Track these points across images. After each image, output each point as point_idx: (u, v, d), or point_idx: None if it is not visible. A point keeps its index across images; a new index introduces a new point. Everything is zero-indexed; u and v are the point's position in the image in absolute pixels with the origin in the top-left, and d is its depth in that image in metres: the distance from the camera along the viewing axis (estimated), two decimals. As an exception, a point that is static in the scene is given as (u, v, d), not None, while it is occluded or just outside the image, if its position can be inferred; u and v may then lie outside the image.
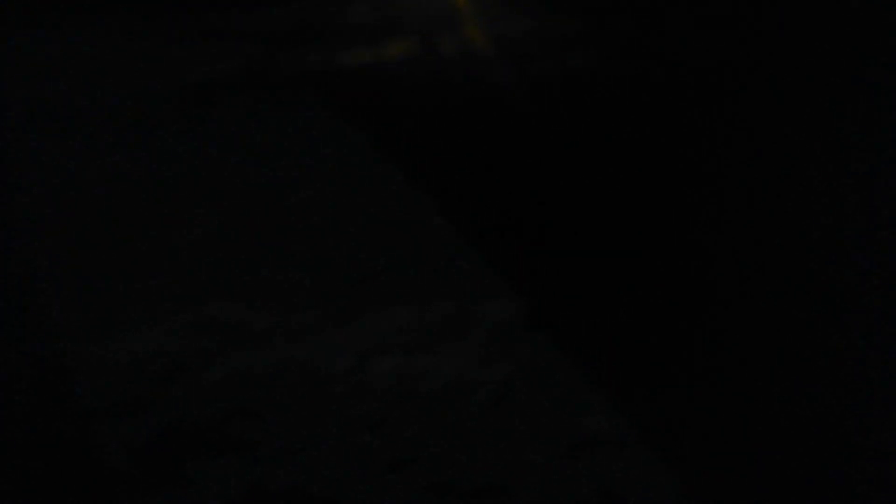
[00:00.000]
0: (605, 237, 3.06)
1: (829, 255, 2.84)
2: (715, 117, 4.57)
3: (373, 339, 2.43)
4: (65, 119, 5.73)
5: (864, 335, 2.34)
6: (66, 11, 12.01)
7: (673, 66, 6.00)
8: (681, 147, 4.09)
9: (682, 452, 1.88)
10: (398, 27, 9.92)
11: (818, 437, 1.93)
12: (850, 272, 2.71)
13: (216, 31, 11.21)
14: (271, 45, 9.58)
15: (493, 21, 9.93)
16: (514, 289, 2.68)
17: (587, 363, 2.27)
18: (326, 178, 3.88)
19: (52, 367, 2.31)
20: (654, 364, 2.25)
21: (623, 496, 1.76)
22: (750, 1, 8.15)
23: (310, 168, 4.07)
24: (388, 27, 10.02)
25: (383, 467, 1.88)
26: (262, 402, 2.14)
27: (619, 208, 3.34)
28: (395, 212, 3.41)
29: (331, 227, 3.26)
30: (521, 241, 3.05)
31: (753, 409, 2.04)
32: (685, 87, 5.35)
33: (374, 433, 2.01)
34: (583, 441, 1.94)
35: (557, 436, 1.96)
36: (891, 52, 5.66)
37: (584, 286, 2.69)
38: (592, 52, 6.95)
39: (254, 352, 2.37)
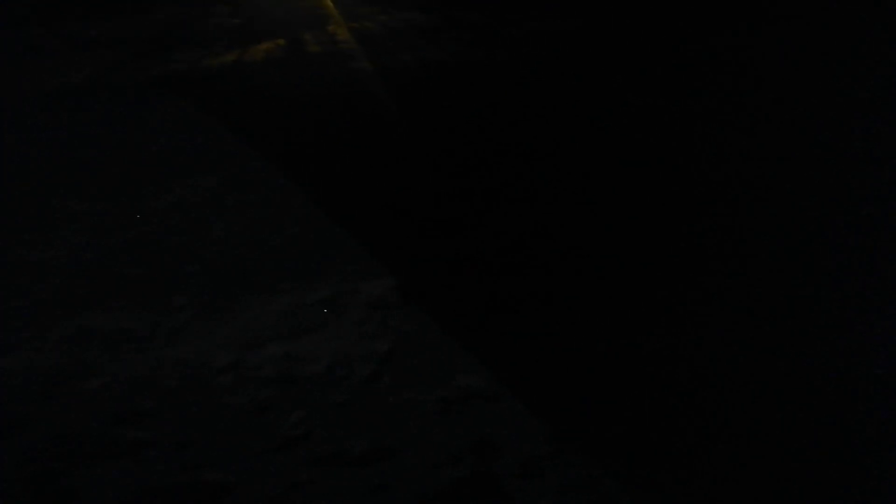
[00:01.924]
0: (462, 212, 3.14)
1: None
2: (551, 95, 4.78)
3: (253, 330, 2.37)
4: None
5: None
6: None
7: (515, 51, 6.19)
8: (520, 122, 4.24)
9: (549, 402, 1.99)
10: (264, 30, 9.56)
11: (663, 368, 2.10)
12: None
13: (76, 40, 10.32)
14: (134, 50, 8.96)
15: (356, 19, 9.79)
16: (388, 268, 2.70)
17: (457, 329, 2.34)
18: (194, 177, 3.72)
19: (-88, 398, 2.09)
20: (518, 323, 2.35)
21: (497, 443, 1.84)
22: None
23: (177, 168, 3.88)
24: (254, 30, 9.64)
25: (273, 448, 1.86)
26: (146, 404, 2.05)
27: (472, 185, 3.43)
28: (267, 204, 3.32)
29: (201, 226, 3.14)
30: (388, 224, 3.07)
31: (606, 363, 2.18)
32: (524, 70, 5.54)
33: (261, 419, 1.98)
34: (456, 399, 2.00)
35: (432, 397, 2.02)
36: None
37: (447, 261, 2.75)
38: (444, 42, 7.04)
39: (134, 356, 2.26)
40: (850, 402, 1.92)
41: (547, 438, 1.86)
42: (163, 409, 2.02)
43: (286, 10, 11.67)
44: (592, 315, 2.37)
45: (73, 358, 2.26)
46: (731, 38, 6.17)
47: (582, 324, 2.32)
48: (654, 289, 2.50)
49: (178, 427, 1.95)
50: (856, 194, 3.14)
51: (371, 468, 1.78)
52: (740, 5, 7.49)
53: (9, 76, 7.47)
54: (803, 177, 3.34)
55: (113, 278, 2.75)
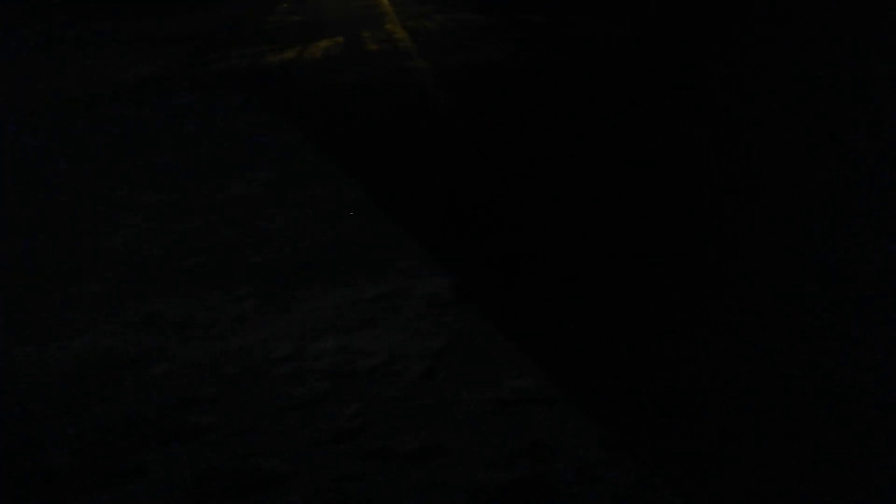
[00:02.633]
0: (519, 212, 3.12)
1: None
2: (611, 97, 4.71)
3: (311, 322, 2.41)
4: (3, 121, 5.38)
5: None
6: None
7: (574, 54, 6.13)
8: (578, 124, 4.19)
9: (604, 408, 1.96)
10: (322, 27, 9.72)
11: (727, 384, 2.04)
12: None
13: (142, 35, 10.71)
14: (199, 46, 9.24)
15: (413, 18, 9.86)
16: (444, 266, 2.70)
17: (512, 330, 2.33)
18: (256, 170, 3.80)
19: (-8, 373, 2.20)
20: (577, 326, 2.33)
21: (552, 446, 1.82)
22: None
23: (240, 161, 3.97)
24: (313, 28, 9.81)
25: (328, 440, 1.88)
26: (208, 390, 2.10)
27: (530, 185, 3.41)
28: (326, 199, 3.37)
29: (263, 218, 3.21)
30: (445, 222, 3.07)
31: (665, 369, 2.14)
32: (583, 72, 5.47)
33: (318, 409, 2.01)
34: (511, 400, 1.99)
35: (487, 397, 2.01)
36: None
37: (503, 260, 2.74)
38: (502, 43, 7.02)
39: (198, 343, 2.32)
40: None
41: (602, 444, 1.83)
42: (224, 396, 2.07)
43: (344, 8, 11.84)
44: (652, 320, 2.32)
45: (140, 342, 2.34)
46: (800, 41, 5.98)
47: (640, 329, 2.28)
48: (720, 294, 2.43)
49: (238, 414, 2.00)
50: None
51: (424, 464, 1.78)
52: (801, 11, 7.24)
53: (76, 69, 7.80)
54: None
55: (177, 267, 2.84)
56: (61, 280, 2.80)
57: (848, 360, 2.08)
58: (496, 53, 6.48)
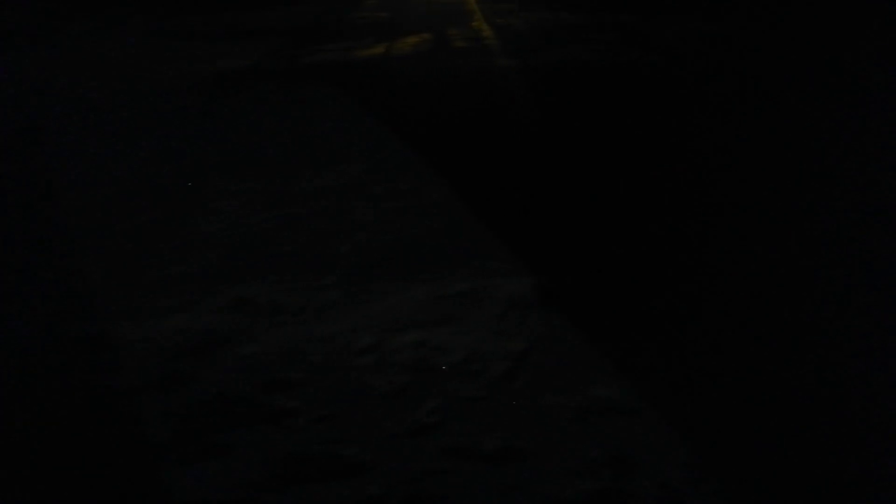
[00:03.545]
0: (607, 215, 3.04)
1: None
2: (707, 105, 4.52)
3: (393, 315, 2.43)
4: (105, 108, 5.73)
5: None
6: (97, 14, 11.98)
7: (665, 54, 5.93)
8: (678, 133, 4.05)
9: (691, 423, 1.88)
10: (410, 23, 9.83)
11: (821, 415, 1.92)
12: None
13: (237, 29, 11.15)
14: (289, 40, 9.52)
15: (501, 16, 9.82)
16: (527, 266, 2.67)
17: (597, 336, 2.27)
18: (344, 162, 3.88)
19: (96, 345, 2.34)
20: (664, 337, 2.25)
21: (634, 460, 1.77)
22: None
23: (328, 153, 4.06)
24: (400, 24, 9.93)
25: (407, 433, 1.89)
26: (294, 374, 2.16)
27: (623, 192, 3.31)
28: (411, 194, 3.40)
29: (349, 209, 3.26)
30: (530, 222, 3.04)
31: (761, 384, 2.04)
32: (675, 73, 5.28)
33: (397, 402, 2.02)
34: (594, 409, 1.94)
35: (569, 404, 1.97)
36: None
37: (590, 263, 2.68)
38: (592, 42, 6.87)
39: (285, 328, 2.39)
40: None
41: (687, 463, 1.76)
42: (308, 382, 2.12)
43: (431, 5, 11.92)
44: (743, 331, 2.21)
45: (231, 324, 2.43)
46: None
47: (730, 340, 2.18)
48: (817, 303, 2.29)
49: (320, 400, 2.04)
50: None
51: (504, 467, 1.76)
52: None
53: (175, 61, 8.18)
54: None
55: (269, 253, 2.93)
56: (162, 261, 2.95)
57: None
58: (584, 53, 6.36)
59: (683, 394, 1.99)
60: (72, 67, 8.03)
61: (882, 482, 1.67)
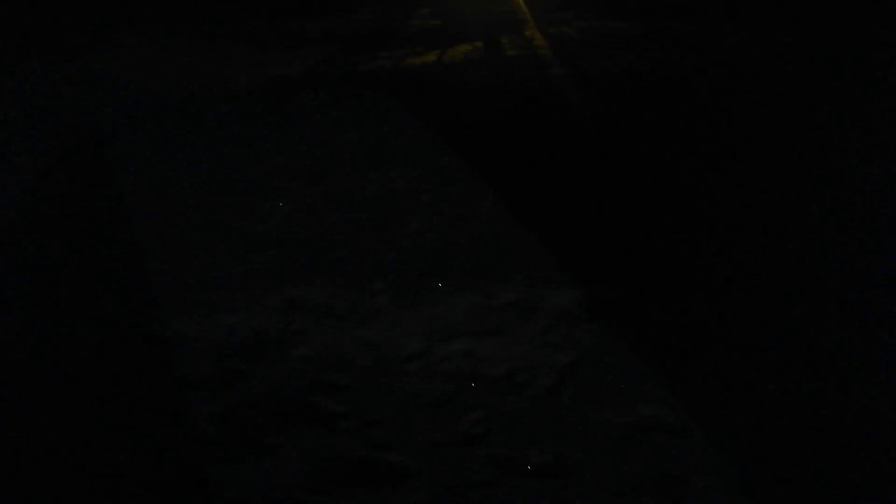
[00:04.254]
0: (657, 229, 2.98)
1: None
2: (761, 112, 4.39)
3: (440, 323, 2.44)
4: (165, 112, 5.94)
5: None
6: (155, 19, 12.43)
7: (723, 64, 5.80)
8: (725, 138, 3.94)
9: (743, 446, 1.83)
10: (462, 31, 9.87)
11: (873, 436, 1.85)
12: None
13: (292, 35, 11.40)
14: (344, 47, 9.69)
15: (554, 24, 9.77)
16: (576, 278, 2.64)
17: (644, 351, 2.23)
18: (396, 169, 3.92)
19: (155, 342, 2.41)
20: (715, 354, 2.19)
21: (682, 482, 1.73)
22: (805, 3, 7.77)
23: (380, 159, 4.11)
24: (453, 32, 9.98)
25: (452, 442, 1.89)
26: (341, 378, 2.19)
27: (671, 200, 3.25)
28: (461, 202, 3.41)
29: (400, 216, 3.29)
30: (579, 232, 3.00)
31: (817, 408, 1.97)
32: (733, 84, 5.15)
33: (443, 411, 2.03)
34: (641, 427, 1.91)
35: (617, 420, 1.94)
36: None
37: (638, 277, 2.63)
38: (648, 52, 6.77)
39: (334, 332, 2.42)
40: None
41: (739, 488, 1.71)
42: (355, 386, 2.15)
43: (484, 13, 11.94)
44: (800, 351, 2.14)
45: (282, 325, 2.48)
46: None
47: (786, 359, 2.11)
48: (875, 326, 2.20)
49: (367, 405, 2.06)
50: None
51: (549, 481, 1.75)
52: None
53: (236, 66, 8.41)
54: None
55: (320, 256, 2.98)
56: (220, 261, 3.03)
57: None
58: (638, 63, 6.27)
59: (734, 413, 1.93)
60: (131, 73, 8.34)
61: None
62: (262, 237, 3.21)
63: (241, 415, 2.03)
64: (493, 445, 1.88)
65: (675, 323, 2.37)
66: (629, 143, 4.16)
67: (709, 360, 2.17)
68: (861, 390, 2.00)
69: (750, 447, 1.82)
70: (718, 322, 2.35)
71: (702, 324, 2.35)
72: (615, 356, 2.22)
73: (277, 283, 2.77)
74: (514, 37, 8.99)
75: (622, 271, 2.70)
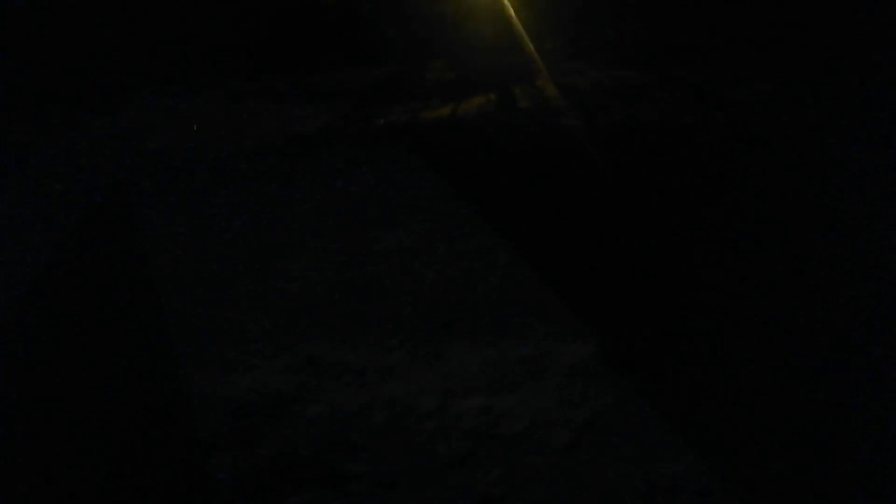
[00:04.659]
0: (672, 281, 2.99)
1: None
2: (774, 166, 4.42)
3: (456, 379, 2.45)
4: (188, 171, 6.11)
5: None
6: (181, 75, 12.89)
7: (737, 115, 5.86)
8: (738, 190, 3.97)
9: None
10: (475, 83, 10.10)
11: (906, 490, 1.80)
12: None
13: (311, 90, 11.74)
14: (361, 101, 9.95)
15: (566, 74, 9.97)
16: (591, 330, 2.65)
17: (666, 406, 2.22)
18: (411, 223, 3.98)
19: (174, 401, 2.44)
20: (736, 409, 2.17)
21: (704, 542, 1.70)
22: (819, 49, 7.87)
23: (397, 213, 4.18)
24: (466, 85, 10.22)
25: None
26: (357, 437, 2.19)
27: (685, 252, 3.26)
28: (475, 255, 3.44)
29: (415, 270, 3.33)
30: (595, 284, 3.02)
31: (843, 469, 1.93)
32: (746, 135, 5.20)
33: (461, 470, 2.02)
34: (663, 485, 1.88)
35: (637, 479, 1.92)
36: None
37: (655, 330, 2.63)
38: (659, 101, 6.87)
39: (349, 389, 2.44)
40: None
41: (765, 549, 1.67)
42: (371, 445, 2.15)
43: (496, 64, 12.22)
44: (820, 408, 2.11)
45: (299, 383, 2.50)
46: None
47: (809, 417, 2.07)
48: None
49: (383, 465, 2.06)
50: None
51: (568, 544, 1.72)
52: None
53: (258, 123, 8.65)
54: None
55: (336, 311, 3.01)
56: (239, 317, 3.08)
57: None
58: (652, 113, 6.36)
59: (757, 472, 1.90)
60: (155, 132, 8.62)
61: None
62: (280, 294, 3.26)
63: (258, 476, 2.04)
64: (511, 506, 1.87)
65: (692, 376, 2.35)
66: (642, 193, 4.20)
67: (728, 415, 2.15)
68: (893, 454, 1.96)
69: (774, 507, 1.79)
70: (736, 376, 2.33)
71: (720, 377, 2.33)
72: (632, 411, 2.20)
73: (294, 340, 2.80)
74: (527, 87, 9.18)
75: (637, 323, 2.69)
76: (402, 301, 3.06)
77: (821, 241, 3.29)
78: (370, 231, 3.96)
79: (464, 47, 13.58)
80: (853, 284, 2.86)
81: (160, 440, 2.23)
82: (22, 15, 12.43)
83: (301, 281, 3.37)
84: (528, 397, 2.34)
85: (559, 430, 2.16)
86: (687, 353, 2.47)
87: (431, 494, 1.92)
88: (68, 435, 2.29)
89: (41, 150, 8.00)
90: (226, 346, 2.81)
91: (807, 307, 2.72)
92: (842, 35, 7.70)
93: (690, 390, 2.28)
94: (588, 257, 3.35)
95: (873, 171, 4.15)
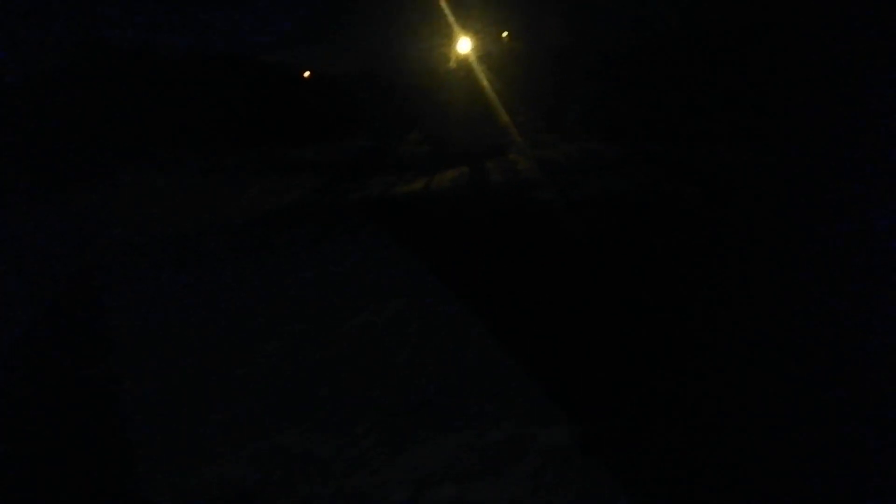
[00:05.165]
0: (649, 360, 3.01)
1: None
2: (746, 234, 4.55)
3: (428, 467, 2.40)
4: (157, 250, 6.09)
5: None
6: (158, 151, 13.02)
7: (706, 185, 6.06)
8: (712, 262, 4.06)
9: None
10: (449, 157, 10.35)
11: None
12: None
13: (286, 165, 11.91)
14: (335, 175, 10.10)
15: (539, 147, 10.26)
16: (565, 414, 2.63)
17: (643, 490, 2.19)
18: (383, 300, 3.98)
19: (136, 493, 2.36)
20: (713, 489, 2.15)
21: None
22: (784, 118, 8.23)
23: (368, 290, 4.18)
24: (440, 158, 10.46)
25: None
26: (324, 533, 2.12)
27: (662, 329, 3.29)
28: (445, 335, 3.44)
29: (385, 354, 3.31)
30: (567, 362, 3.02)
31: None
32: (717, 206, 5.37)
33: (433, 567, 1.95)
34: (641, 578, 1.84)
35: (615, 572, 1.87)
36: None
37: (631, 412, 2.62)
38: (630, 174, 7.08)
39: (319, 481, 2.37)
40: None
41: None
42: (339, 542, 2.08)
43: (471, 136, 12.55)
44: (794, 487, 2.10)
45: (266, 475, 2.43)
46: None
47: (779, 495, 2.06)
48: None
49: (351, 563, 1.98)
50: None
51: None
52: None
53: (225, 198, 8.71)
54: None
55: (304, 398, 2.97)
56: (203, 407, 3.01)
57: None
58: (623, 185, 6.55)
59: (740, 562, 1.87)
60: (125, 210, 8.62)
61: None
62: (246, 380, 3.21)
63: (218, 580, 1.96)
64: None
65: (671, 458, 2.33)
66: (618, 267, 4.27)
67: (708, 497, 2.13)
68: (867, 528, 1.95)
69: None
70: (712, 456, 2.32)
71: (696, 458, 2.32)
72: (611, 496, 2.17)
73: (263, 429, 2.74)
74: (500, 161, 9.41)
75: (612, 404, 2.69)
76: (371, 384, 3.03)
77: (798, 314, 3.36)
78: (340, 311, 3.95)
79: (438, 121, 13.97)
80: (819, 359, 2.90)
81: (114, 543, 2.13)
82: (12, 92, 12.68)
83: (267, 366, 3.32)
84: (504, 484, 2.30)
85: (535, 519, 2.11)
86: (664, 435, 2.46)
87: None
88: (15, 539, 2.18)
89: (8, 233, 7.94)
90: (190, 439, 2.74)
91: (782, 386, 2.74)
92: (804, 104, 8.08)
93: (668, 472, 2.26)
94: (559, 335, 3.36)
95: (843, 234, 4.28)
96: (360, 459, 2.47)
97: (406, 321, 3.70)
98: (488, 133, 12.62)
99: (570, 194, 6.42)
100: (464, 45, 14.70)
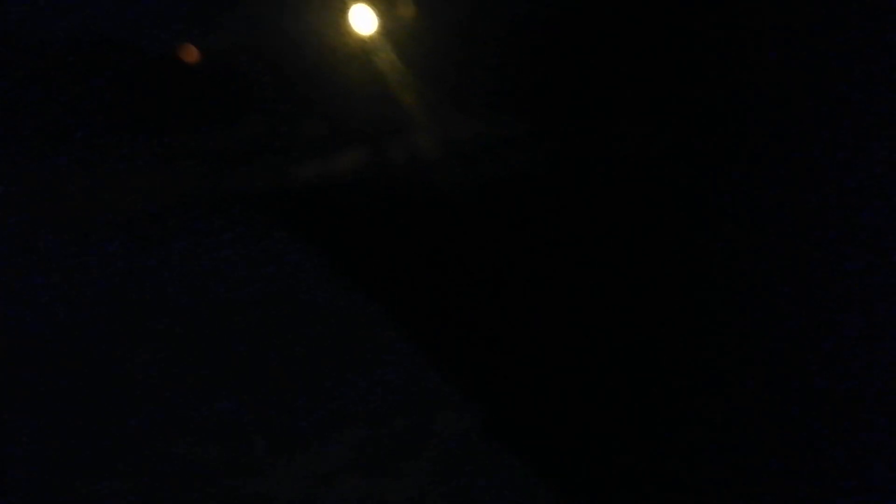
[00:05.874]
0: (548, 344, 3.08)
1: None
2: (658, 217, 4.75)
3: (328, 462, 2.37)
4: (19, 246, 5.65)
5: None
6: (28, 140, 12.11)
7: (615, 163, 6.28)
8: (627, 252, 4.21)
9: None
10: (348, 139, 10.23)
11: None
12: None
13: (164, 153, 11.40)
14: (220, 163, 9.76)
15: (443, 125, 10.32)
16: (468, 399, 2.66)
17: (549, 471, 2.25)
18: (276, 296, 3.87)
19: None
20: (623, 471, 2.24)
21: None
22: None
23: (260, 285, 4.06)
24: (338, 139, 10.33)
25: None
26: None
27: (574, 313, 3.38)
28: (344, 326, 3.40)
29: (279, 350, 3.23)
30: (472, 350, 3.05)
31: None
32: (627, 186, 5.57)
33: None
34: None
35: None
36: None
37: (535, 395, 2.68)
38: (540, 154, 7.23)
39: (209, 488, 2.29)
40: None
41: None
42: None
43: (372, 117, 12.47)
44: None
45: (144, 487, 2.32)
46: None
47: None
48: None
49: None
50: None
51: None
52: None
53: (91, 193, 8.23)
54: None
55: (188, 405, 2.85)
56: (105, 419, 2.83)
57: None
58: (531, 166, 6.68)
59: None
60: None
61: None
62: (126, 384, 3.05)
63: None
64: None
65: (575, 439, 2.41)
66: (527, 252, 4.34)
67: (618, 478, 2.21)
68: None
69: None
70: (618, 438, 2.41)
71: (603, 439, 2.40)
72: (512, 479, 2.22)
73: (145, 438, 2.61)
74: (403, 141, 9.38)
75: (517, 390, 2.74)
76: (262, 384, 2.95)
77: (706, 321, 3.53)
78: (228, 307, 3.80)
79: (339, 101, 13.77)
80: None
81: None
82: None
83: (146, 371, 3.17)
84: (406, 474, 2.30)
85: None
86: (567, 417, 2.54)
87: None
88: None
89: None
90: (62, 459, 2.57)
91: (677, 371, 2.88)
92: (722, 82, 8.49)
93: (573, 454, 2.33)
94: (459, 323, 3.39)
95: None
96: (256, 462, 2.41)
97: (302, 313, 3.63)
98: (393, 113, 12.56)
99: (474, 174, 6.49)
100: (361, 15, 14.53)
